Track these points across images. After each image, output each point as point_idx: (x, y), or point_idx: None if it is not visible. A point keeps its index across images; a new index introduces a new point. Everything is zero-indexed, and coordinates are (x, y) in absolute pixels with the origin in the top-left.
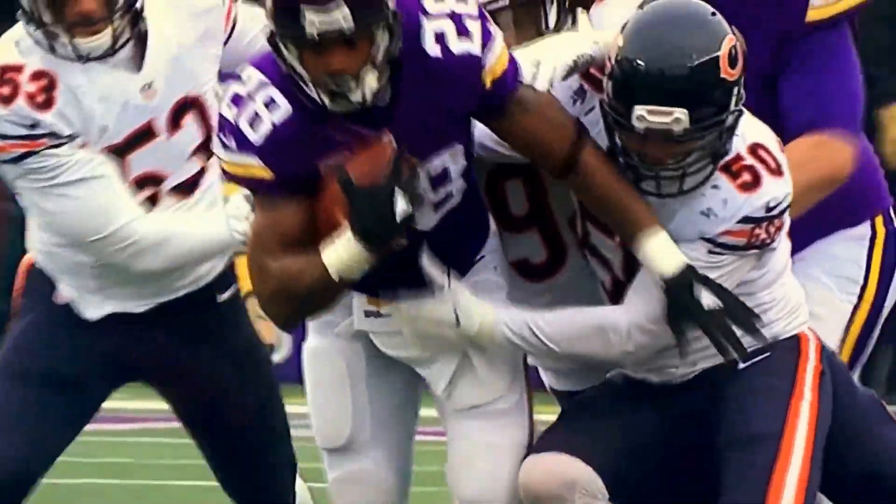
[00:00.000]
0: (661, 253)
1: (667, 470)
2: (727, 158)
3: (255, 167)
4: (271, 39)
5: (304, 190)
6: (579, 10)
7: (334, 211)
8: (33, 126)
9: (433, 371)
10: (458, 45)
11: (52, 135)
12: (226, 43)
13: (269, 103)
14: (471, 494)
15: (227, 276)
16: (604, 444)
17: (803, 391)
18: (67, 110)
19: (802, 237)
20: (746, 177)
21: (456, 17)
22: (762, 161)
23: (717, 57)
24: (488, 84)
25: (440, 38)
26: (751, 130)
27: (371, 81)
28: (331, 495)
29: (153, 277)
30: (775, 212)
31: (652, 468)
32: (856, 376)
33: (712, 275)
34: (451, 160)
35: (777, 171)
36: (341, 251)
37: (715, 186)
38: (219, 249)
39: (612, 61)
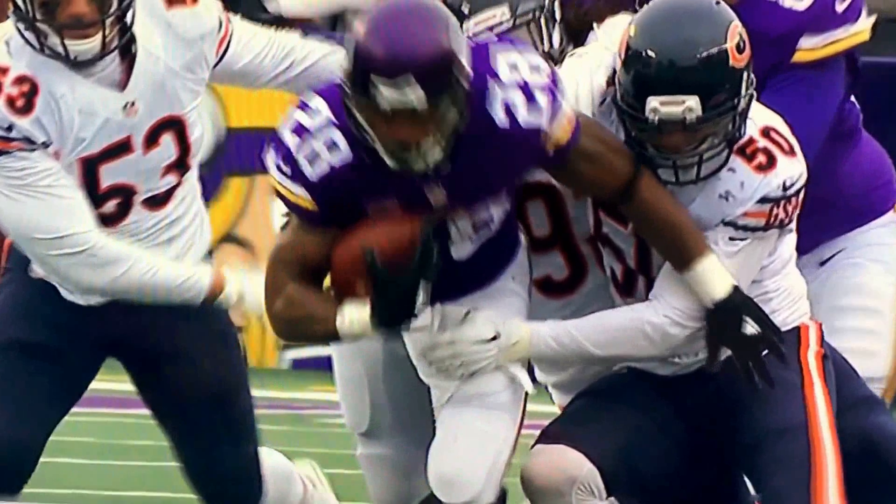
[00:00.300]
0: (712, 275)
1: (674, 460)
2: (741, 142)
3: (303, 198)
4: (343, 93)
5: (340, 225)
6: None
7: (355, 282)
8: (9, 129)
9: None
10: (525, 118)
11: (26, 140)
12: (215, 66)
13: (331, 146)
14: (447, 471)
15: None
16: (611, 437)
17: (812, 379)
18: (45, 118)
19: (829, 233)
20: (761, 158)
21: (527, 89)
22: (775, 143)
23: (725, 45)
24: (551, 151)
25: (509, 108)
26: (760, 114)
27: (435, 154)
28: (361, 465)
29: (91, 292)
30: (791, 191)
31: (659, 459)
32: None
33: (735, 260)
34: (497, 207)
35: (790, 152)
36: (354, 318)
37: (731, 170)
38: (166, 296)
39: (622, 56)
